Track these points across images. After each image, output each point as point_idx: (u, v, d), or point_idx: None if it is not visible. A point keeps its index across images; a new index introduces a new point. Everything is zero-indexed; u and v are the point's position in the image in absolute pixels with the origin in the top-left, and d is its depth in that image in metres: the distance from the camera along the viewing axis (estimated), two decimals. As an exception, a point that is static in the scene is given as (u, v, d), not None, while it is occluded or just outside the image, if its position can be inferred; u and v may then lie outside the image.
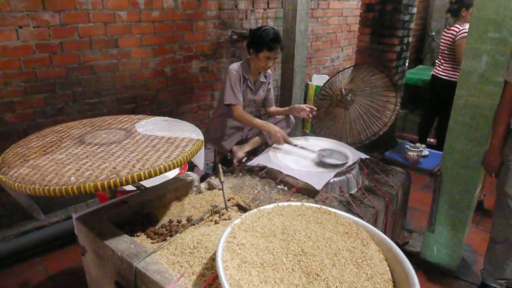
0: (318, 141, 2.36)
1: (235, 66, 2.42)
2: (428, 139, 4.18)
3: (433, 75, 3.78)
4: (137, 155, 1.40)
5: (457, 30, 3.40)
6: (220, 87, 2.92)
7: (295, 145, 2.27)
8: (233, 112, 2.42)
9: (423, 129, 4.11)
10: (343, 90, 2.58)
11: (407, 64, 3.39)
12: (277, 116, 2.71)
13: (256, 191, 1.87)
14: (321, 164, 2.05)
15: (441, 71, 3.64)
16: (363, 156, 2.17)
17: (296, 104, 2.61)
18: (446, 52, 3.56)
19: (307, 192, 1.86)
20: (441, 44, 3.64)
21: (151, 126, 1.75)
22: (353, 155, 2.13)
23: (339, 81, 2.70)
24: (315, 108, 2.47)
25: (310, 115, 2.45)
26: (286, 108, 2.66)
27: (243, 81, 2.44)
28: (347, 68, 2.76)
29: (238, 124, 2.57)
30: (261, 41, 2.31)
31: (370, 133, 2.47)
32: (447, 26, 3.62)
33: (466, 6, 3.36)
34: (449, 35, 3.48)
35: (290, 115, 2.69)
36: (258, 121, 2.40)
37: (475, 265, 2.38)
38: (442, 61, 3.65)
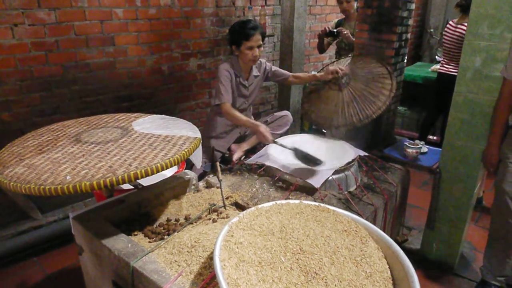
0: (317, 140, 2.35)
1: (225, 66, 2.38)
2: (429, 137, 4.14)
3: (441, 73, 3.67)
4: (134, 153, 1.39)
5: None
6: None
7: (275, 142, 2.13)
8: (221, 110, 2.36)
9: (425, 127, 4.06)
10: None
11: (405, 60, 3.37)
12: (275, 114, 2.70)
13: (254, 189, 1.86)
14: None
15: (452, 68, 3.55)
16: (362, 153, 2.16)
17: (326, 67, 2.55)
18: (455, 50, 3.47)
19: (306, 190, 1.85)
20: (446, 41, 3.55)
21: (148, 125, 1.74)
22: (353, 152, 2.11)
23: (336, 64, 2.63)
24: (343, 68, 2.41)
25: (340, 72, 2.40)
26: (311, 74, 2.57)
27: (234, 79, 2.41)
28: (347, 57, 2.70)
29: None
30: (237, 34, 2.26)
31: (363, 116, 2.37)
32: (451, 23, 3.49)
33: None
34: (458, 32, 3.41)
35: (288, 114, 2.68)
36: (244, 118, 2.29)
37: (475, 262, 2.37)
38: (449, 58, 3.58)
